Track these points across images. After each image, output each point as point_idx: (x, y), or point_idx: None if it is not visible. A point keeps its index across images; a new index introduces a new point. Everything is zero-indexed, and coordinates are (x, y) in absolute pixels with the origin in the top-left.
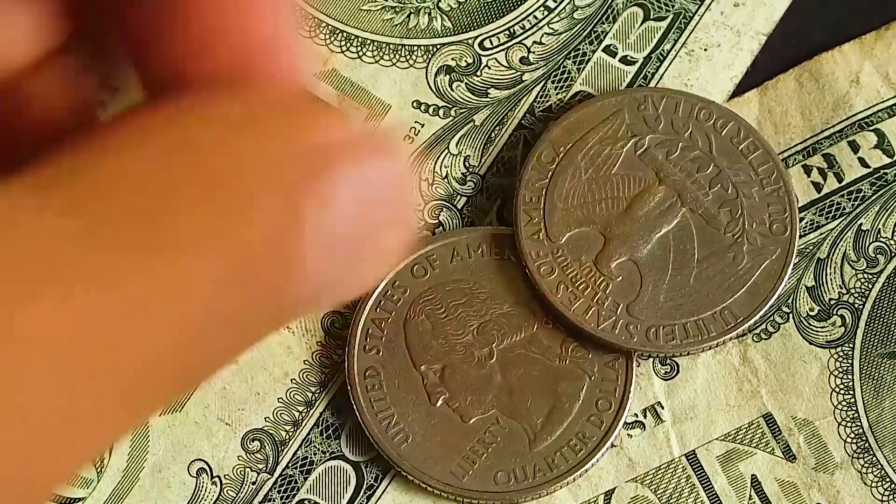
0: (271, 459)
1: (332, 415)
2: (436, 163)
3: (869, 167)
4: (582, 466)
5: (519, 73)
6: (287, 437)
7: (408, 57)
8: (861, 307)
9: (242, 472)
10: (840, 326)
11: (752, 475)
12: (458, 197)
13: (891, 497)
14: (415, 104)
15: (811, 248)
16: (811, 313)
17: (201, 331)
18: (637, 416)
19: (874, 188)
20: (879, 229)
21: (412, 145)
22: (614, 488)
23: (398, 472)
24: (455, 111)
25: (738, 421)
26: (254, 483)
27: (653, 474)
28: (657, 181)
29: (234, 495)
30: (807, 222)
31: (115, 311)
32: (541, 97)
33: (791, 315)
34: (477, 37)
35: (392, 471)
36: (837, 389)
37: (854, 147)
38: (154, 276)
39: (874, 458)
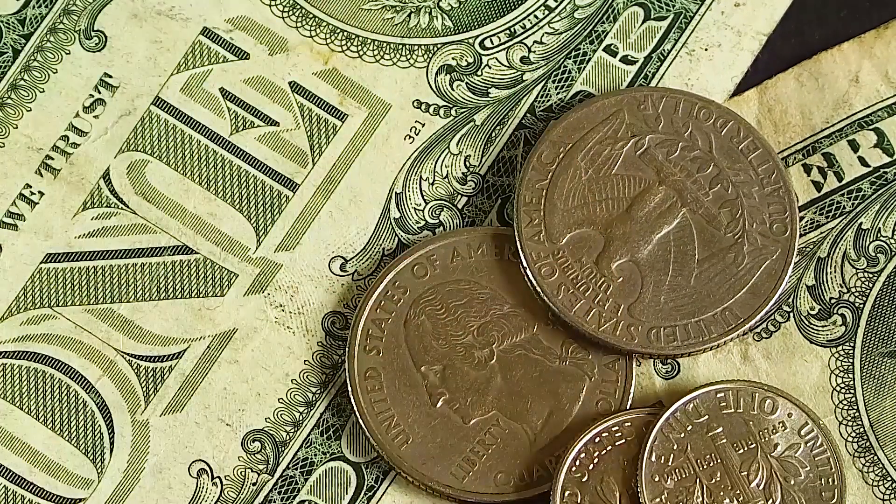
0: (272, 460)
1: (332, 415)
2: (436, 163)
3: (869, 166)
4: None
5: (519, 72)
6: (288, 437)
7: (408, 56)
8: (862, 306)
9: (243, 473)
10: (841, 325)
11: None
12: (459, 197)
13: (892, 496)
14: (415, 103)
15: (811, 247)
16: (812, 312)
17: None
18: None
19: (874, 187)
20: (880, 228)
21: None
22: None
23: (398, 473)
24: (455, 111)
25: None
26: (254, 484)
27: None
28: (657, 181)
29: (235, 496)
30: (807, 221)
31: None
32: (541, 97)
33: (792, 314)
34: (477, 36)
35: (392, 472)
36: (838, 388)
37: (854, 146)
38: None
39: (875, 458)
